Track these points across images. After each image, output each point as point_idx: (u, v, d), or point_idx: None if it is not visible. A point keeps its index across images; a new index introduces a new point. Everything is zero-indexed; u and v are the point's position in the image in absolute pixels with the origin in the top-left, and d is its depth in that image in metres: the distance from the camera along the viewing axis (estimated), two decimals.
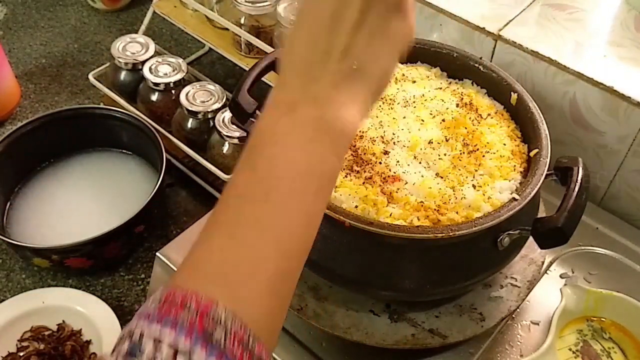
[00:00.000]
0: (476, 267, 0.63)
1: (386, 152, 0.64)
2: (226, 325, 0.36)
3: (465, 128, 0.67)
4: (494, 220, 0.57)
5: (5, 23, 1.37)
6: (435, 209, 0.59)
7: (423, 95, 0.71)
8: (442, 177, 0.62)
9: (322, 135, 0.42)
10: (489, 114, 0.69)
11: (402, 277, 0.61)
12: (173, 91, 1.04)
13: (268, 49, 0.99)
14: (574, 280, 0.74)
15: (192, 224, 0.79)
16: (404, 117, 0.68)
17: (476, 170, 0.63)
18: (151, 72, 1.03)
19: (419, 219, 0.59)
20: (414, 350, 0.65)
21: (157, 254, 0.76)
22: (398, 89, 0.72)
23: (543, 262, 0.72)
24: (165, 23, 1.35)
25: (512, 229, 0.60)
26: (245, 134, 0.95)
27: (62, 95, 1.21)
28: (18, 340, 0.82)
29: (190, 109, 0.98)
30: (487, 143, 0.66)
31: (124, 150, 1.06)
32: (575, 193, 0.58)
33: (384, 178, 0.61)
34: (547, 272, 0.75)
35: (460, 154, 0.64)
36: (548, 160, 0.63)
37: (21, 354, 0.81)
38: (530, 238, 0.60)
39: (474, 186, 0.62)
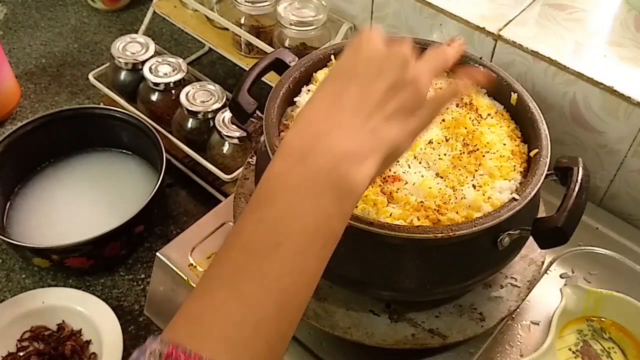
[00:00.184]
0: (476, 267, 0.63)
1: None
2: None
3: (465, 128, 0.67)
4: (494, 220, 0.57)
5: (5, 23, 1.37)
6: (435, 209, 0.59)
7: None
8: (442, 177, 0.62)
9: (332, 190, 0.42)
10: (489, 114, 0.69)
11: (402, 277, 0.61)
12: (173, 91, 1.04)
13: (268, 49, 0.99)
14: (574, 280, 0.74)
15: (192, 224, 0.79)
16: None
17: (476, 170, 0.63)
18: (151, 72, 1.03)
19: (419, 219, 0.59)
20: (414, 350, 0.65)
21: (157, 254, 0.76)
22: None
23: (543, 262, 0.72)
24: (165, 23, 1.35)
25: (512, 229, 0.60)
26: (245, 134, 0.95)
27: (62, 95, 1.21)
28: (18, 340, 0.82)
29: (190, 109, 0.98)
30: (487, 143, 0.66)
31: (124, 150, 1.06)
32: (575, 193, 0.58)
33: (384, 178, 0.61)
34: (547, 272, 0.75)
35: (460, 154, 0.64)
36: (548, 160, 0.63)
37: (21, 354, 0.81)
38: (530, 238, 0.60)
39: (474, 186, 0.62)
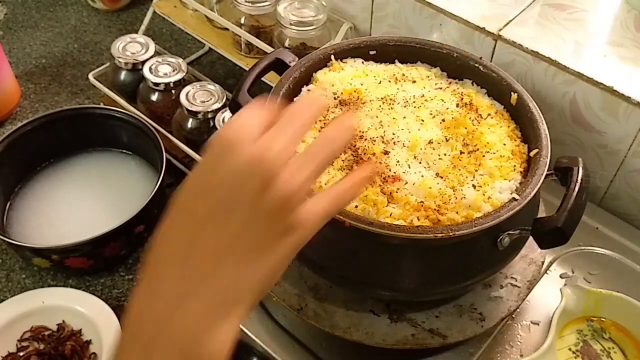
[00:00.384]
0: (476, 267, 0.63)
1: (386, 152, 0.64)
2: None
3: (465, 128, 0.67)
4: (494, 220, 0.57)
5: (5, 23, 1.37)
6: (435, 209, 0.59)
7: (423, 95, 0.71)
8: (442, 177, 0.62)
9: None
10: (489, 114, 0.69)
11: (402, 277, 0.61)
12: (173, 91, 1.04)
13: (268, 49, 0.99)
14: (574, 280, 0.74)
15: None
16: (404, 117, 0.68)
17: (476, 170, 0.63)
18: (151, 72, 1.03)
19: (419, 219, 0.59)
20: (414, 350, 0.65)
21: None
22: (398, 89, 0.72)
23: (543, 262, 0.72)
24: (165, 23, 1.35)
25: (512, 229, 0.60)
26: None
27: (62, 95, 1.21)
28: (18, 340, 0.82)
29: (190, 109, 0.98)
30: (487, 143, 0.66)
31: (124, 150, 1.06)
32: (575, 193, 0.58)
33: (384, 178, 0.61)
34: (547, 272, 0.75)
35: (460, 154, 0.64)
36: (548, 160, 0.63)
37: (21, 354, 0.81)
38: (530, 238, 0.60)
39: (474, 186, 0.62)
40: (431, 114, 0.68)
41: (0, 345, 0.81)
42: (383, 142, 0.65)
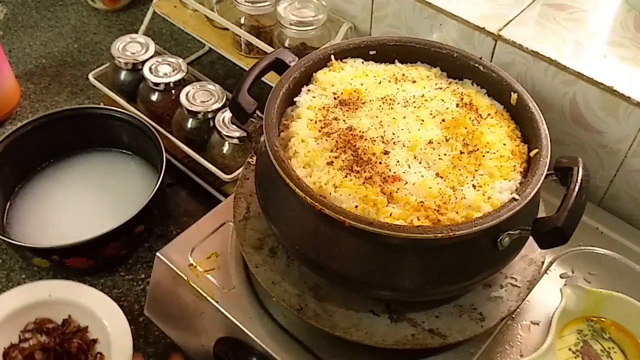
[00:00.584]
0: (476, 267, 0.63)
1: (386, 152, 0.64)
2: None
3: (465, 128, 0.67)
4: (494, 220, 0.57)
5: (5, 23, 1.37)
6: (435, 209, 0.59)
7: (423, 95, 0.71)
8: (442, 177, 0.62)
9: None
10: (489, 114, 0.69)
11: (402, 277, 0.61)
12: (173, 91, 1.04)
13: (268, 49, 0.99)
14: (574, 280, 0.74)
15: (192, 224, 0.79)
16: (404, 117, 0.68)
17: (476, 170, 0.63)
18: (151, 72, 1.03)
19: (419, 219, 0.59)
20: (414, 350, 0.65)
21: (157, 254, 0.76)
22: (398, 89, 0.72)
23: (543, 262, 0.72)
24: (165, 23, 1.35)
25: (512, 229, 0.60)
26: (245, 134, 0.95)
27: (62, 95, 1.21)
28: (21, 332, 0.80)
29: (190, 109, 0.98)
30: (487, 143, 0.66)
31: (124, 150, 1.06)
32: (575, 193, 0.58)
33: (384, 178, 0.61)
34: (547, 272, 0.75)
35: (460, 154, 0.64)
36: (548, 160, 0.63)
37: (24, 345, 0.79)
38: (530, 238, 0.60)
39: (474, 186, 0.62)
40: (431, 114, 0.68)
41: (3, 336, 0.79)
42: (383, 142, 0.65)
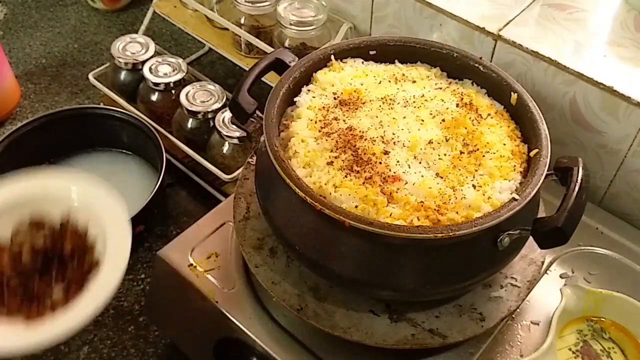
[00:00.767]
0: (476, 267, 0.63)
1: (386, 152, 0.64)
2: None
3: (465, 128, 0.67)
4: (494, 220, 0.57)
5: (5, 23, 1.37)
6: (435, 209, 0.59)
7: (423, 95, 0.71)
8: (442, 177, 0.62)
9: None
10: (489, 114, 0.69)
11: (402, 277, 0.61)
12: (173, 91, 1.04)
13: (268, 49, 0.99)
14: (574, 280, 0.74)
15: (192, 224, 0.79)
16: (404, 117, 0.68)
17: (476, 170, 0.63)
18: (151, 72, 1.03)
19: (419, 219, 0.59)
20: (414, 350, 0.65)
21: (157, 254, 0.76)
22: (398, 89, 0.72)
23: (543, 262, 0.72)
24: (165, 23, 1.35)
25: (512, 229, 0.60)
26: (245, 134, 0.95)
27: (62, 95, 1.21)
28: (13, 230, 0.71)
29: (190, 109, 0.98)
30: (487, 143, 0.66)
31: (124, 150, 1.06)
32: (575, 193, 0.58)
33: (384, 178, 0.61)
34: (547, 272, 0.75)
35: (460, 154, 0.64)
36: (548, 160, 0.63)
37: (14, 247, 0.69)
38: (530, 238, 0.60)
39: (474, 186, 0.62)
40: (431, 114, 0.68)
41: None
42: (383, 142, 0.65)
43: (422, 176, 0.62)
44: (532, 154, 0.64)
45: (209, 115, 0.99)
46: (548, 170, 0.62)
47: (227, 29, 1.06)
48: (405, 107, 0.69)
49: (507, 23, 0.87)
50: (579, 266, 0.76)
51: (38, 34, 1.35)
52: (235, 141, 0.96)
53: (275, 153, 0.61)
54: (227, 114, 0.97)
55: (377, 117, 0.68)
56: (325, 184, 0.61)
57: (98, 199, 0.72)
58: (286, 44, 1.00)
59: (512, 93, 0.70)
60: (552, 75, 0.82)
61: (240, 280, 0.73)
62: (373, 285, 0.62)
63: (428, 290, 0.62)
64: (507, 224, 0.59)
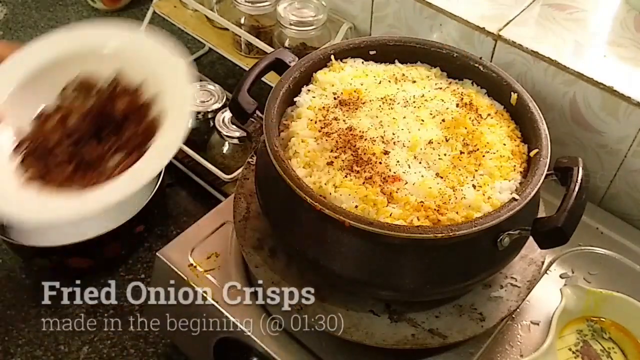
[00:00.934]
0: (476, 267, 0.63)
1: (386, 152, 0.64)
2: None
3: (465, 128, 0.67)
4: (494, 220, 0.57)
5: (5, 23, 1.37)
6: (435, 209, 0.59)
7: (423, 95, 0.71)
8: (442, 177, 0.62)
9: None
10: (489, 114, 0.69)
11: (402, 277, 0.61)
12: None
13: (268, 49, 0.99)
14: (574, 280, 0.74)
15: (192, 224, 0.79)
16: (404, 117, 0.68)
17: (476, 170, 0.63)
18: None
19: (419, 219, 0.59)
20: (414, 350, 0.65)
21: (157, 254, 0.76)
22: (398, 89, 0.72)
23: (543, 262, 0.72)
24: (165, 23, 1.35)
25: (512, 229, 0.60)
26: (245, 134, 0.95)
27: None
28: (60, 92, 0.63)
29: None
30: (487, 143, 0.66)
31: None
32: (575, 193, 0.58)
33: (384, 178, 0.61)
34: (547, 272, 0.75)
35: (460, 154, 0.64)
36: (548, 160, 0.63)
37: (61, 110, 0.62)
38: (530, 238, 0.60)
39: (474, 186, 0.62)
40: (431, 114, 0.68)
41: (36, 97, 0.62)
42: (383, 142, 0.65)
43: (422, 176, 0.62)
44: (532, 154, 0.64)
45: (209, 115, 0.99)
46: (548, 170, 0.62)
47: (227, 29, 1.06)
48: (405, 107, 0.69)
49: (507, 23, 0.87)
50: (579, 266, 0.76)
51: (38, 34, 1.34)
52: (235, 141, 0.96)
53: (275, 153, 0.61)
54: (227, 114, 0.97)
55: (377, 117, 0.68)
56: (325, 184, 0.61)
57: (156, 56, 0.64)
58: (286, 44, 1.00)
59: (512, 93, 0.70)
60: (552, 75, 0.82)
61: (240, 281, 0.73)
62: (373, 285, 0.62)
63: (428, 290, 0.62)
64: (507, 224, 0.59)
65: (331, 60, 0.73)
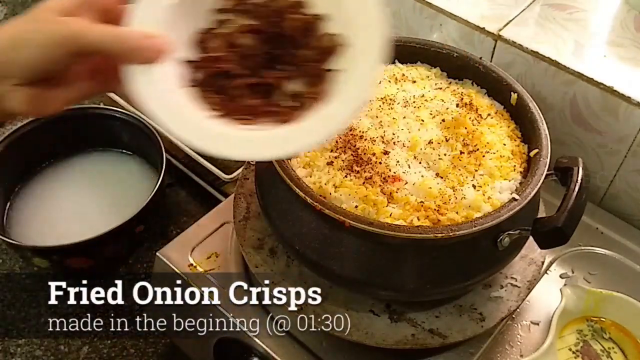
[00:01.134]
0: (476, 267, 0.62)
1: (386, 152, 0.64)
2: None
3: (465, 128, 0.67)
4: (494, 220, 0.57)
5: (6, 23, 1.37)
6: (435, 209, 0.59)
7: (423, 95, 0.71)
8: (442, 177, 0.62)
9: None
10: (489, 114, 0.69)
11: (402, 277, 0.61)
12: None
13: None
14: (574, 280, 0.74)
15: (192, 224, 0.79)
16: (404, 117, 0.68)
17: (476, 170, 0.63)
18: None
19: (419, 219, 0.59)
20: (414, 350, 0.65)
21: (157, 254, 0.76)
22: (398, 89, 0.72)
23: (543, 262, 0.72)
24: None
25: (512, 229, 0.60)
26: None
27: None
28: (215, 12, 0.52)
29: None
30: (487, 143, 0.66)
31: (124, 150, 1.06)
32: (575, 193, 0.58)
33: (384, 178, 0.61)
34: (547, 272, 0.75)
35: (460, 154, 0.64)
36: (548, 160, 0.63)
37: (222, 30, 0.52)
38: (530, 238, 0.60)
39: (474, 186, 0.62)
40: (431, 114, 0.68)
41: (185, 19, 0.51)
42: (383, 142, 0.65)
43: (422, 176, 0.62)
44: (532, 154, 0.64)
45: None
46: (548, 170, 0.62)
47: None
48: (405, 107, 0.69)
49: (507, 23, 0.87)
50: (579, 266, 0.76)
51: None
52: None
53: None
54: None
55: (377, 117, 0.68)
56: (325, 184, 0.61)
57: None
58: None
59: (512, 93, 0.70)
60: (552, 75, 0.82)
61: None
62: (373, 285, 0.62)
63: (428, 290, 0.62)
64: (507, 224, 0.59)
65: None
